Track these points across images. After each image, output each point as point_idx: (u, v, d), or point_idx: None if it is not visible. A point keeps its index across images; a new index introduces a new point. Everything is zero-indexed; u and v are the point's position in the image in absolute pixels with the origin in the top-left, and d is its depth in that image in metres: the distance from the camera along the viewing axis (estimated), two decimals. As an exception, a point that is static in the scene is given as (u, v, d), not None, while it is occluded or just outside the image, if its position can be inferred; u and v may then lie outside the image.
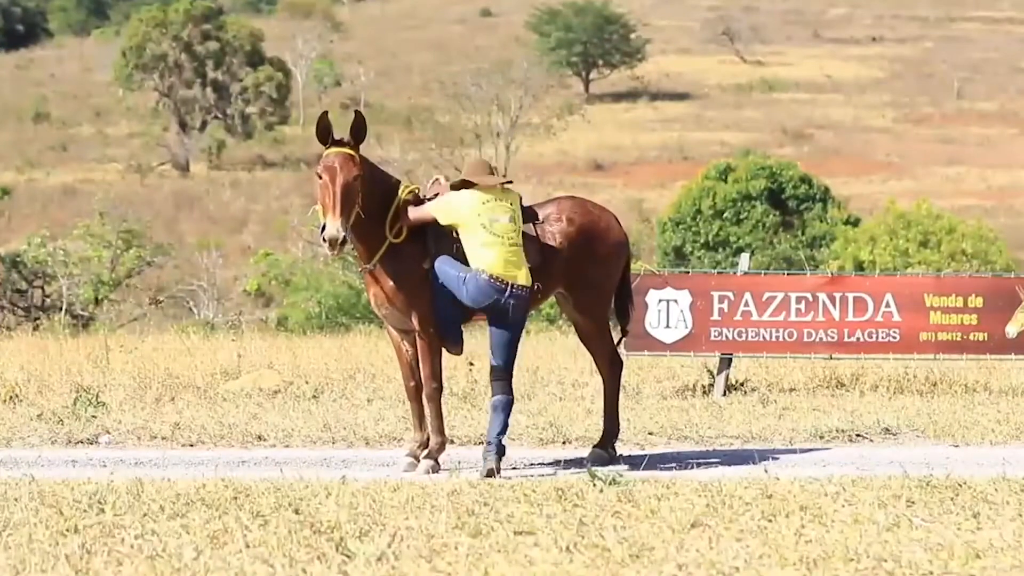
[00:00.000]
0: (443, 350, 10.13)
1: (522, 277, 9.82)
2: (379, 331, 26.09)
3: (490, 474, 9.71)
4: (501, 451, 9.82)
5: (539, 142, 73.29)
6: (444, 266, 9.86)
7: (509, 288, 9.75)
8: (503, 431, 9.84)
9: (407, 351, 10.24)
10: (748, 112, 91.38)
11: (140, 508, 8.24)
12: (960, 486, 8.79)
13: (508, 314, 9.80)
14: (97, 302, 38.46)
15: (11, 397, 14.50)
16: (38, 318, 35.41)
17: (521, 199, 10.19)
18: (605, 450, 10.58)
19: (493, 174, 10.08)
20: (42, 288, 37.79)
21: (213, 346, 20.05)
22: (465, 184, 10.00)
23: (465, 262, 9.87)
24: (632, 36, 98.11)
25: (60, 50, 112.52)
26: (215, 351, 18.79)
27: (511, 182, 10.14)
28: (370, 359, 18.33)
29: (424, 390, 10.11)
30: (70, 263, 38.27)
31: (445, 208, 9.89)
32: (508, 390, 9.90)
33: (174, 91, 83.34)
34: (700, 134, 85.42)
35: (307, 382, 15.71)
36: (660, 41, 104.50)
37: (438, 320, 9.96)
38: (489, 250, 9.77)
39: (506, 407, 9.86)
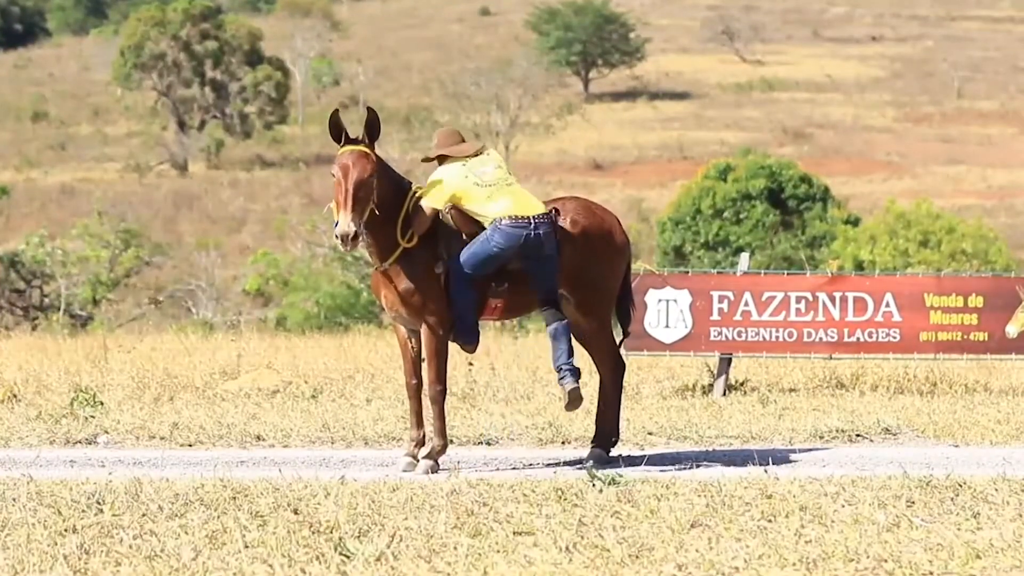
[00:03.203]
0: (449, 353, 10.15)
1: (538, 207, 9.93)
2: (378, 331, 26.10)
3: (573, 396, 9.90)
4: (576, 373, 9.94)
5: (539, 141, 73.38)
6: (466, 252, 9.89)
7: (532, 221, 9.84)
8: (570, 353, 9.94)
9: (412, 348, 10.22)
10: (748, 111, 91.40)
11: (139, 508, 8.22)
12: (960, 486, 8.77)
13: (543, 247, 9.88)
14: (95, 302, 38.48)
15: (9, 397, 14.48)
16: (36, 318, 35.44)
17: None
18: (605, 450, 10.56)
19: (464, 141, 10.19)
20: (40, 288, 37.83)
21: (212, 346, 20.05)
22: (441, 159, 10.08)
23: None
24: (631, 35, 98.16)
25: (58, 49, 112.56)
26: (214, 351, 18.78)
27: (484, 147, 10.22)
28: (369, 359, 18.31)
29: (429, 392, 10.10)
30: (68, 263, 38.31)
31: (435, 193, 9.92)
32: (560, 316, 10.00)
33: (173, 90, 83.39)
34: (700, 133, 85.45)
35: (306, 382, 15.70)
36: (660, 40, 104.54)
37: (454, 317, 9.96)
38: (495, 199, 9.87)
39: (565, 331, 9.99)
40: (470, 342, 10.09)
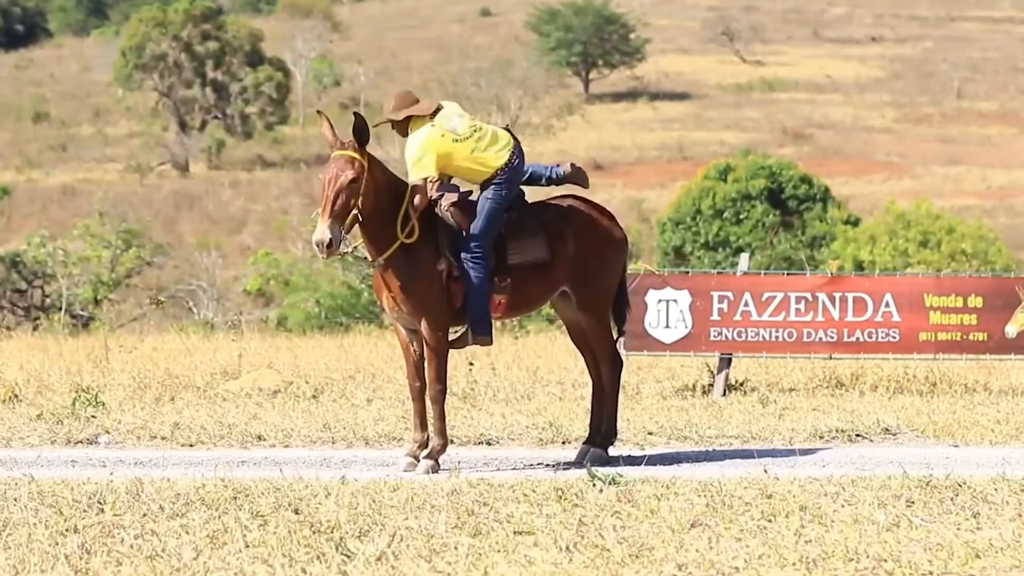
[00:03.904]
0: (449, 352, 10.18)
1: (506, 136, 10.23)
2: (379, 331, 26.11)
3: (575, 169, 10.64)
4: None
5: (539, 142, 73.29)
6: (477, 223, 9.97)
7: (513, 155, 10.10)
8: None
9: (415, 351, 10.24)
10: (748, 112, 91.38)
11: (140, 508, 8.24)
12: (960, 486, 8.78)
13: (523, 164, 10.34)
14: (97, 302, 38.44)
15: (11, 397, 14.50)
16: (38, 318, 35.41)
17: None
18: (604, 450, 10.57)
19: (418, 101, 10.22)
20: (42, 288, 37.80)
21: (213, 346, 20.06)
22: (403, 123, 10.11)
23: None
24: (632, 36, 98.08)
25: (60, 50, 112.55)
26: (215, 351, 18.79)
27: (440, 104, 10.27)
28: (370, 359, 18.33)
29: (429, 392, 10.12)
30: (70, 263, 38.27)
31: (420, 162, 9.93)
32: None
33: (174, 91, 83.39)
34: (700, 134, 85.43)
35: (307, 382, 15.71)
36: (660, 41, 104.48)
37: (468, 310, 9.98)
38: (481, 154, 9.99)
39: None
40: (486, 333, 10.09)
